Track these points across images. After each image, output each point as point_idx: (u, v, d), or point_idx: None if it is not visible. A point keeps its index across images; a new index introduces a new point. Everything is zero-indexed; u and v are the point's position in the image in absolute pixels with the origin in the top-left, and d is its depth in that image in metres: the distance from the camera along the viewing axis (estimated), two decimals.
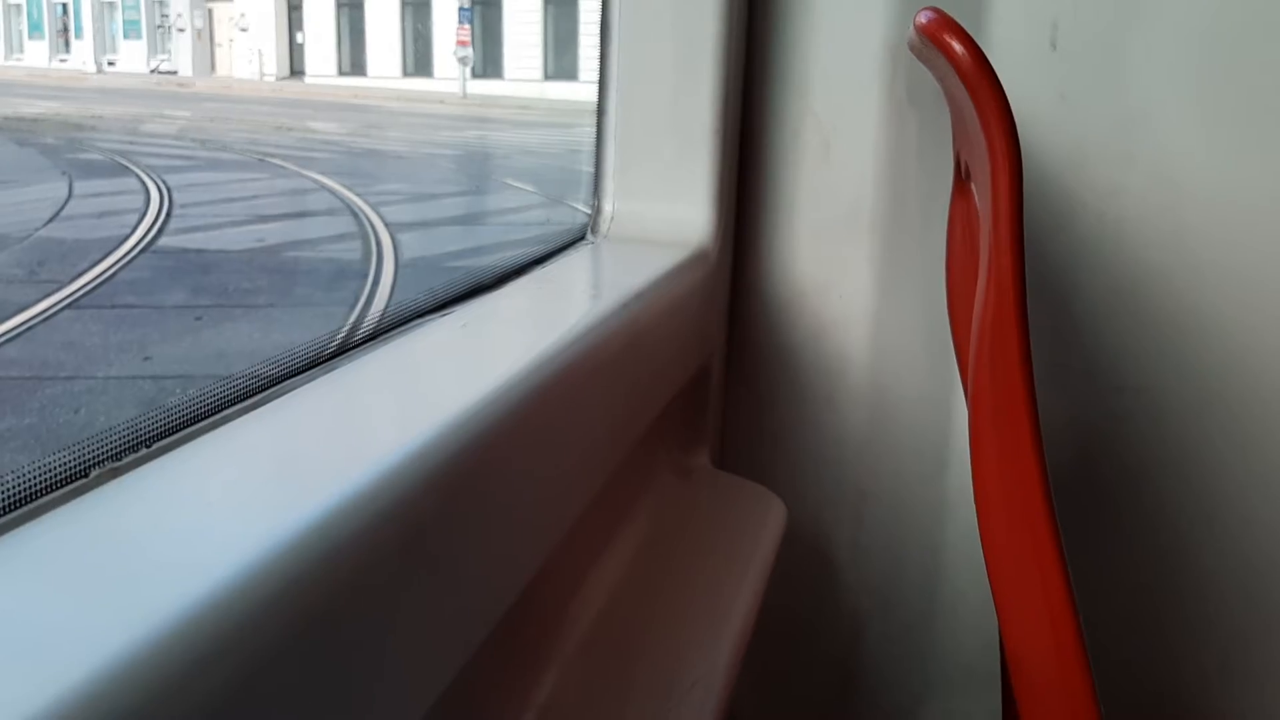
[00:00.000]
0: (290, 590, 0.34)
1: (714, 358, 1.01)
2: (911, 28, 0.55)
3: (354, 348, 0.58)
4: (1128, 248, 0.89)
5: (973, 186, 0.68)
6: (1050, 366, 0.92)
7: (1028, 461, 0.54)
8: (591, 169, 0.94)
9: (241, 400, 0.46)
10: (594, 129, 0.94)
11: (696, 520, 0.89)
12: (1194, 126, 0.85)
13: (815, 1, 0.94)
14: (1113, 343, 0.91)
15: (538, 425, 0.56)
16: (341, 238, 5.81)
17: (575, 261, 0.87)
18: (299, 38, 15.21)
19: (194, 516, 0.38)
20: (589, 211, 0.95)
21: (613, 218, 0.93)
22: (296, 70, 15.32)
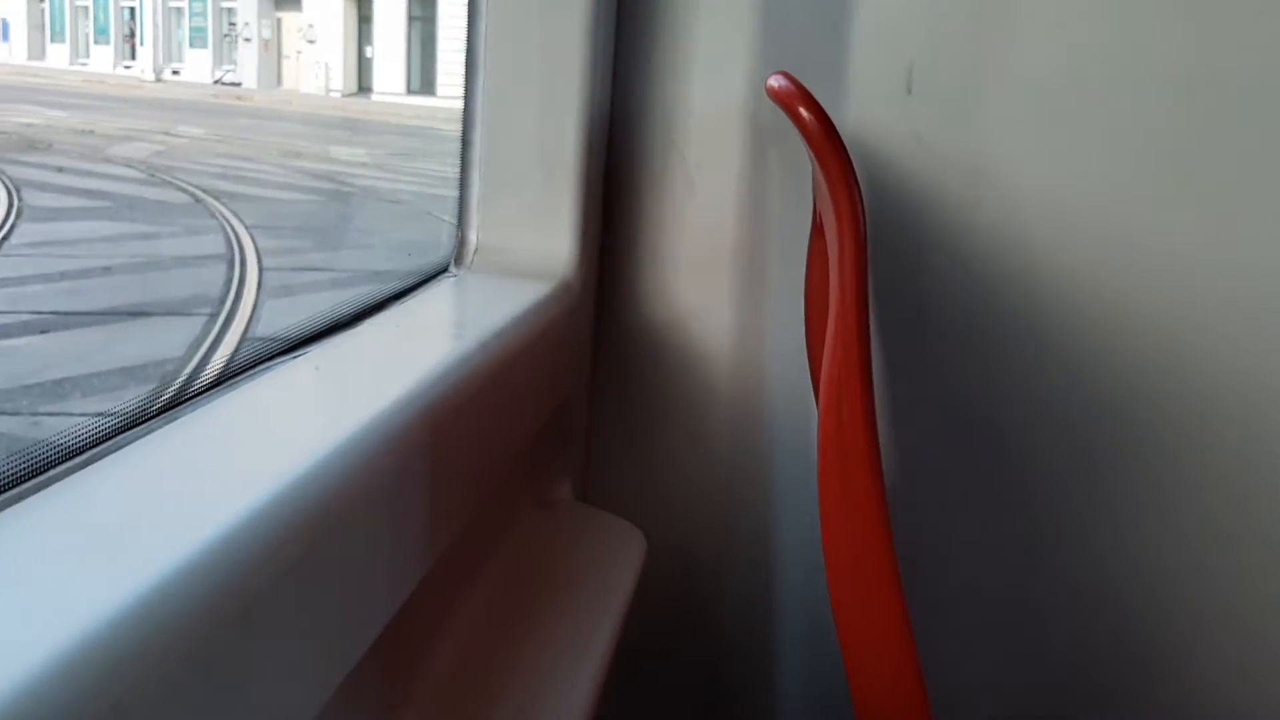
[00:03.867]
0: (111, 676, 0.32)
1: (578, 391, 1.01)
2: (764, 85, 0.57)
3: (198, 395, 0.56)
4: (977, 286, 0.93)
5: (827, 233, 0.70)
6: (907, 401, 0.96)
7: (868, 499, 0.56)
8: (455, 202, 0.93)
9: (68, 459, 0.44)
10: (458, 160, 0.93)
11: (558, 555, 0.88)
12: (1040, 170, 0.89)
13: (681, 40, 0.95)
14: (965, 377, 0.95)
15: (395, 471, 0.55)
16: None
17: (436, 296, 0.86)
18: (368, 52, 14.16)
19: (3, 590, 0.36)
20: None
21: (476, 249, 0.93)
22: (365, 86, 14.17)
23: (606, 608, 0.81)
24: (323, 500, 0.47)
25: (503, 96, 0.92)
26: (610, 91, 0.97)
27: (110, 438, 0.48)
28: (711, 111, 0.96)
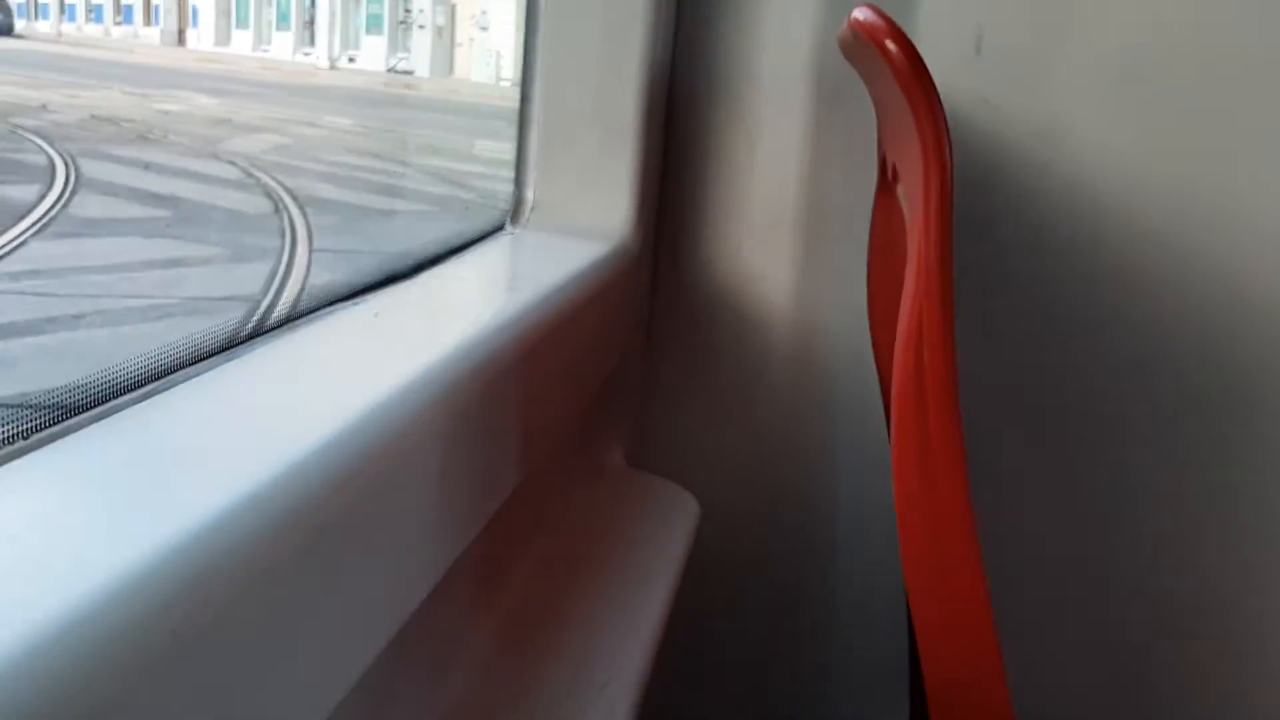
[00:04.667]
0: (179, 602, 0.31)
1: (633, 353, 1.00)
2: (845, 24, 0.55)
3: (261, 335, 0.55)
4: (1042, 254, 0.90)
5: (899, 190, 0.68)
6: (977, 368, 0.93)
7: (951, 469, 0.54)
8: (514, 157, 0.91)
9: (132, 390, 0.43)
10: (518, 115, 0.91)
11: (610, 519, 0.87)
12: (1109, 135, 0.86)
13: (745, 0, 0.93)
14: (1028, 349, 0.92)
15: (450, 420, 0.54)
16: None
17: (493, 252, 0.85)
18: None
19: (68, 515, 0.36)
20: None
21: (533, 208, 0.91)
22: None
23: (660, 571, 0.80)
24: (379, 444, 0.46)
25: (563, 54, 0.91)
26: (672, 51, 0.95)
27: (171, 372, 0.47)
28: (773, 72, 0.94)
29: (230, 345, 0.52)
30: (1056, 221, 0.89)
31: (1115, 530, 0.93)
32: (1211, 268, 0.86)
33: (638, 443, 1.04)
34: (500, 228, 0.91)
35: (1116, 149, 0.87)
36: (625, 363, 0.98)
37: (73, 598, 0.29)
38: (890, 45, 0.46)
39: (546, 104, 0.91)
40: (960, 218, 0.91)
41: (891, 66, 0.46)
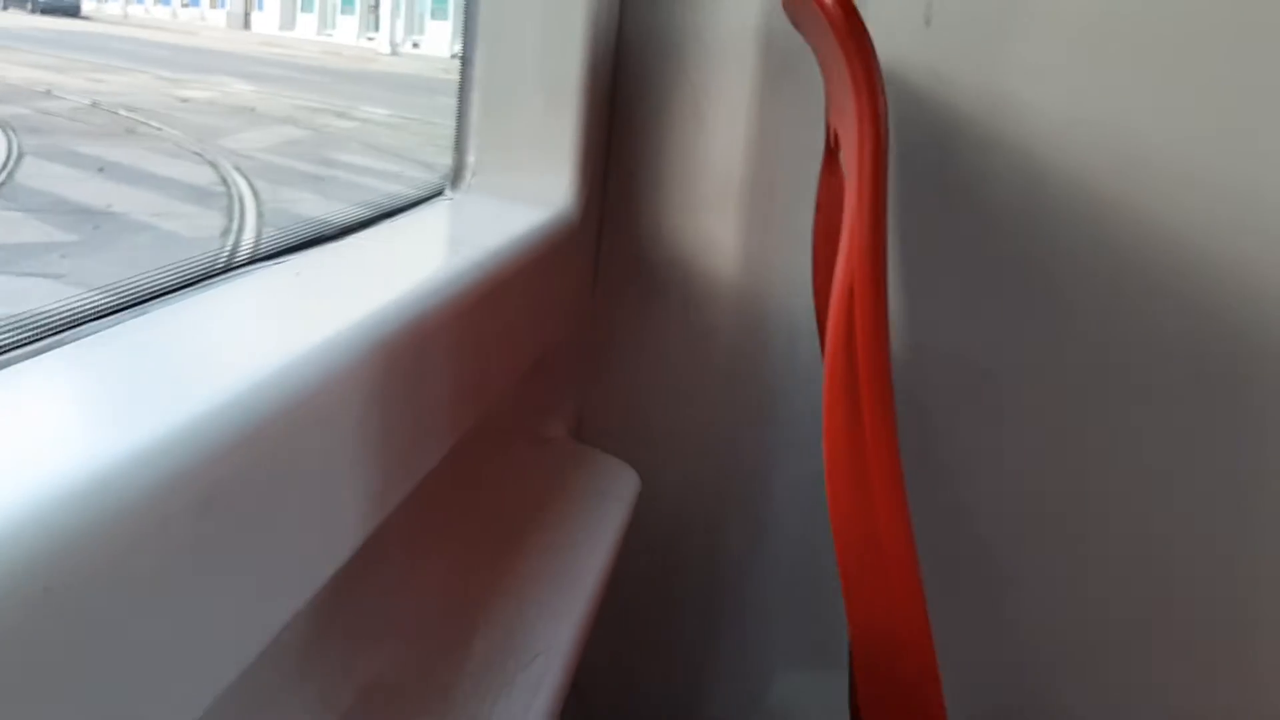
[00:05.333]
0: (53, 558, 0.29)
1: (577, 324, 0.98)
2: None
3: (172, 291, 0.53)
4: (992, 230, 0.90)
5: (841, 156, 0.67)
6: (908, 348, 0.93)
7: (880, 441, 0.53)
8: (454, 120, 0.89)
9: (42, 339, 0.41)
10: (459, 78, 0.89)
11: (548, 491, 0.86)
12: (1061, 106, 0.86)
13: None
14: (972, 326, 0.92)
15: (372, 381, 0.52)
16: None
17: (430, 216, 0.83)
18: None
19: None
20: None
21: (474, 172, 0.89)
22: None
23: (596, 544, 0.79)
24: (289, 401, 0.44)
25: (505, 16, 0.89)
26: (618, 14, 0.93)
27: (74, 326, 0.45)
28: (722, 37, 0.93)
29: (136, 303, 0.50)
30: (1005, 195, 0.88)
31: (1049, 516, 0.93)
32: (1166, 240, 0.85)
33: (581, 415, 1.03)
34: (439, 192, 0.88)
35: (1067, 123, 0.86)
36: (569, 332, 0.97)
37: None
38: (828, 2, 0.45)
39: (488, 67, 0.88)
40: (912, 191, 0.91)
41: (825, 16, 0.44)
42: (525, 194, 0.88)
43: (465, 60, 0.88)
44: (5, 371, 0.40)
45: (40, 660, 0.31)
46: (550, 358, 0.92)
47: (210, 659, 0.40)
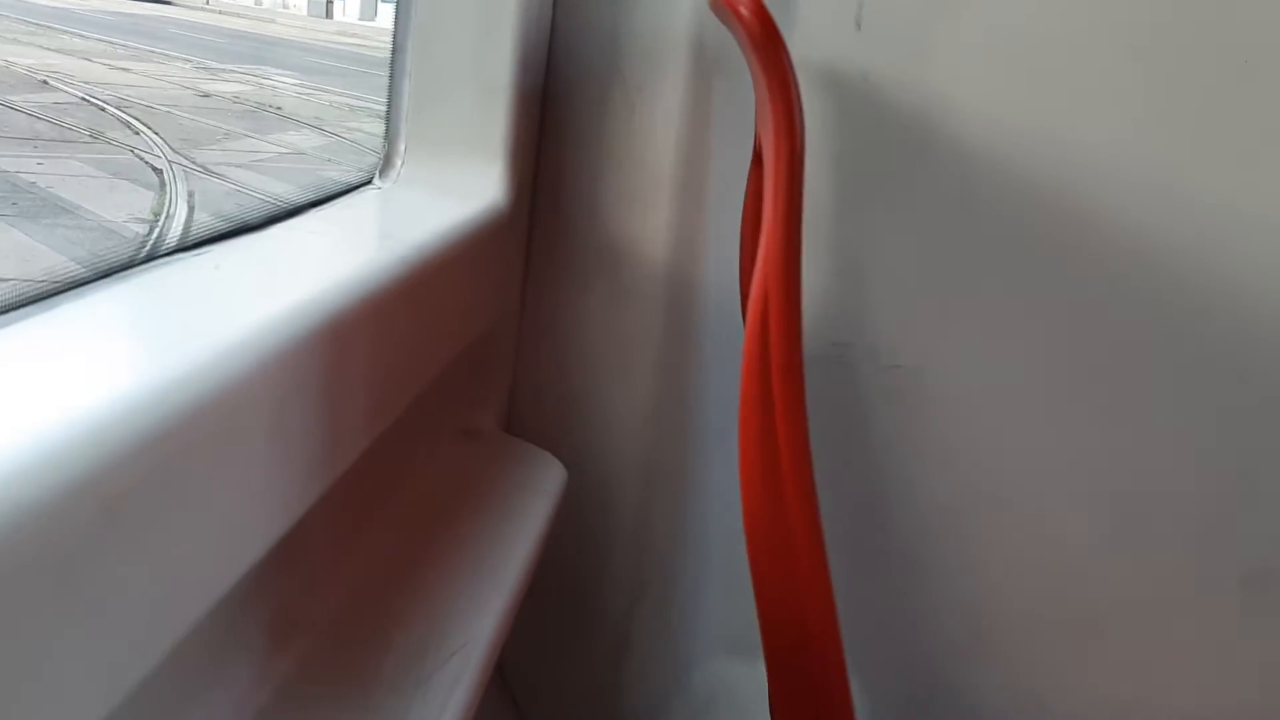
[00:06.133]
0: None
1: (506, 317, 0.98)
2: None
3: (84, 284, 0.52)
4: (918, 230, 0.91)
5: (765, 166, 0.68)
6: (830, 345, 0.94)
7: (792, 441, 0.54)
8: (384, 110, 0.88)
9: None
10: (389, 66, 0.88)
11: (474, 484, 0.86)
12: (992, 113, 0.87)
13: None
14: (895, 322, 0.93)
15: (286, 379, 0.52)
16: None
17: (357, 207, 0.82)
18: None
19: None
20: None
21: (403, 163, 0.89)
22: None
23: (519, 537, 0.79)
24: (207, 398, 0.44)
25: (439, 5, 0.88)
26: (551, 7, 0.93)
27: None
28: (655, 34, 0.93)
29: (50, 294, 0.49)
30: (931, 203, 0.89)
31: (965, 509, 0.95)
32: (1098, 237, 0.87)
33: (511, 409, 1.03)
34: (368, 182, 0.88)
35: (997, 130, 0.87)
36: (498, 325, 0.97)
37: None
38: (743, 10, 0.46)
39: (419, 55, 0.88)
40: (833, 193, 0.92)
41: (746, 31, 0.45)
42: (454, 186, 0.87)
43: (396, 48, 0.88)
44: None
45: None
46: (479, 350, 0.92)
47: (121, 655, 0.40)
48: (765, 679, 0.85)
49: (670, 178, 0.95)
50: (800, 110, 0.47)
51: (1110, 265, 0.87)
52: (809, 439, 0.55)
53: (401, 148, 0.89)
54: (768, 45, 0.46)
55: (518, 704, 1.08)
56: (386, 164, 0.88)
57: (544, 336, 1.01)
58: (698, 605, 1.06)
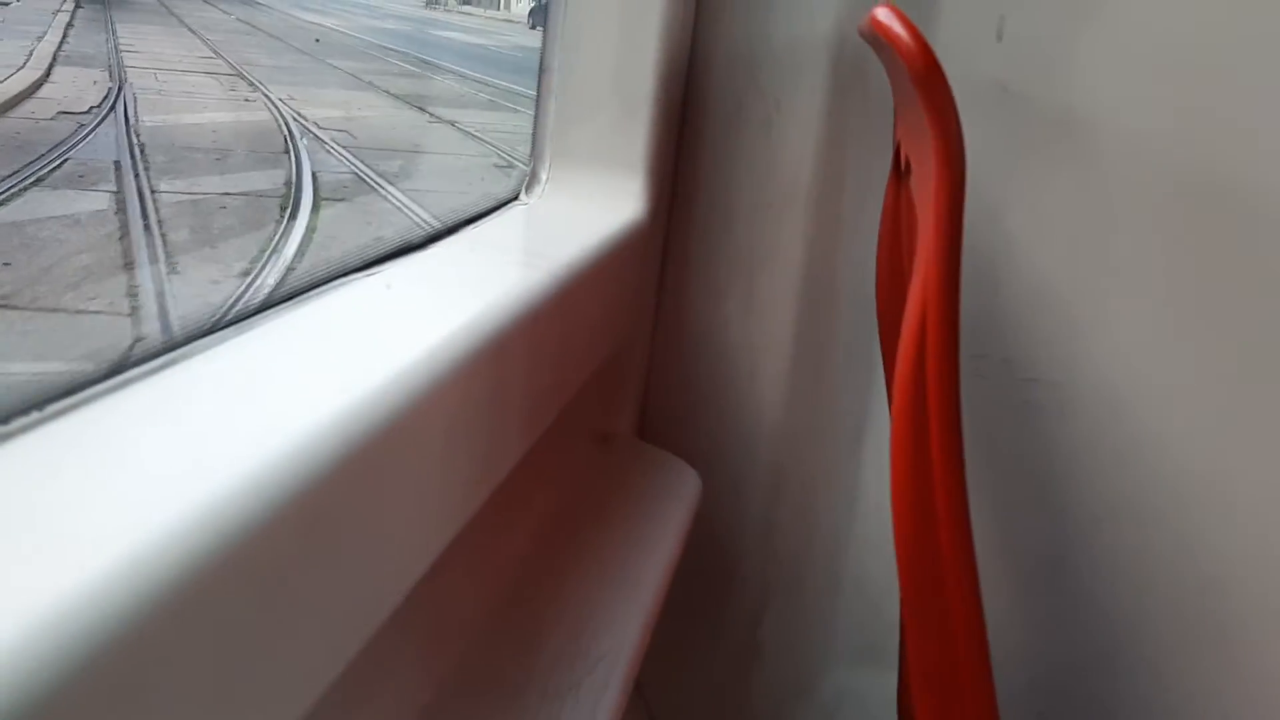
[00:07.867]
0: (162, 589, 0.32)
1: (642, 326, 1.00)
2: (866, 19, 0.55)
3: (273, 306, 0.56)
4: (1054, 244, 0.90)
5: (911, 181, 0.68)
6: (970, 358, 0.94)
7: (946, 454, 0.54)
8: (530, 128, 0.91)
9: (139, 364, 0.44)
10: (536, 85, 0.91)
11: (611, 491, 0.88)
12: (1134, 125, 0.85)
13: None
14: (1032, 336, 0.92)
15: (457, 395, 0.55)
16: None
17: (507, 223, 0.85)
18: None
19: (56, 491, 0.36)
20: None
21: (548, 179, 0.92)
22: None
23: (658, 547, 0.81)
24: (386, 421, 0.47)
25: (584, 24, 0.91)
26: (692, 25, 0.95)
27: (176, 348, 0.48)
28: (795, 50, 0.94)
29: (242, 318, 0.53)
30: (1070, 215, 0.88)
31: (1107, 521, 0.93)
32: (1235, 257, 0.85)
33: (644, 416, 1.05)
34: (514, 198, 0.91)
35: (1139, 142, 0.86)
36: (635, 334, 0.99)
37: (71, 586, 0.30)
38: (904, 36, 0.46)
39: (565, 74, 0.90)
40: (970, 203, 0.91)
41: (904, 58, 0.46)
42: (597, 200, 0.90)
43: (543, 68, 0.91)
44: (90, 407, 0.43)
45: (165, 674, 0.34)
46: (616, 359, 0.95)
47: (311, 665, 0.43)
48: (894, 687, 0.85)
49: (806, 189, 0.96)
50: (961, 138, 0.48)
51: (1262, 273, 0.85)
52: (963, 454, 0.55)
53: (546, 165, 0.91)
54: (929, 78, 0.46)
55: (649, 709, 1.10)
56: (532, 179, 0.91)
57: (677, 343, 1.03)
58: (826, 613, 1.06)
